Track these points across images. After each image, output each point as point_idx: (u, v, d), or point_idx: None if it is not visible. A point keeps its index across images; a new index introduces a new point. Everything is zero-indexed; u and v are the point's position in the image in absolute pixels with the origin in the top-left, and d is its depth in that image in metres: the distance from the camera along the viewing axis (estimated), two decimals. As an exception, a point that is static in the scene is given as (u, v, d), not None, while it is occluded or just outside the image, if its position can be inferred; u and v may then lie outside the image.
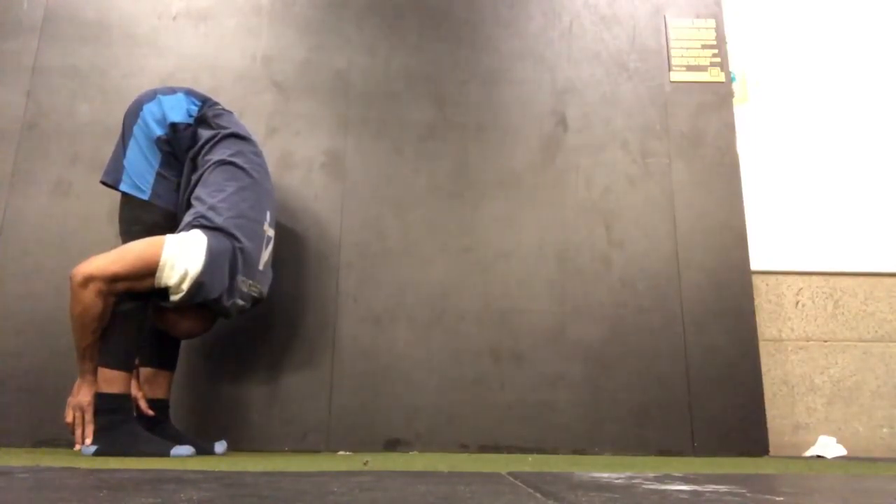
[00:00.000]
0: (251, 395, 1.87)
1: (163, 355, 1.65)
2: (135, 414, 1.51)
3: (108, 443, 1.37)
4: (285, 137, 2.09)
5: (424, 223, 2.04)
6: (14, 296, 1.91)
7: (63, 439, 1.74)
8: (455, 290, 1.98)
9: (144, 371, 1.61)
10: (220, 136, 1.59)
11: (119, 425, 1.40)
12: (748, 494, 0.76)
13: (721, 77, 2.20)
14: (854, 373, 2.07)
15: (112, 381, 1.41)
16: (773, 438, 1.95)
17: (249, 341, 1.91)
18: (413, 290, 1.98)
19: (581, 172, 2.10)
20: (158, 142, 1.57)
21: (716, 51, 2.22)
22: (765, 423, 1.89)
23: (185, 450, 1.40)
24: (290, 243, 1.99)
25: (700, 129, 2.14)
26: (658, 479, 0.94)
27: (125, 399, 1.44)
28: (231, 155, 1.57)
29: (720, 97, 2.18)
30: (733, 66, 2.27)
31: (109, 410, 1.40)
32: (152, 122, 1.57)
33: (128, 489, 0.71)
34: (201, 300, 1.44)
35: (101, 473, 0.91)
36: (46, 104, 2.08)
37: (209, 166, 1.55)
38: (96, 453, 1.36)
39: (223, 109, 1.69)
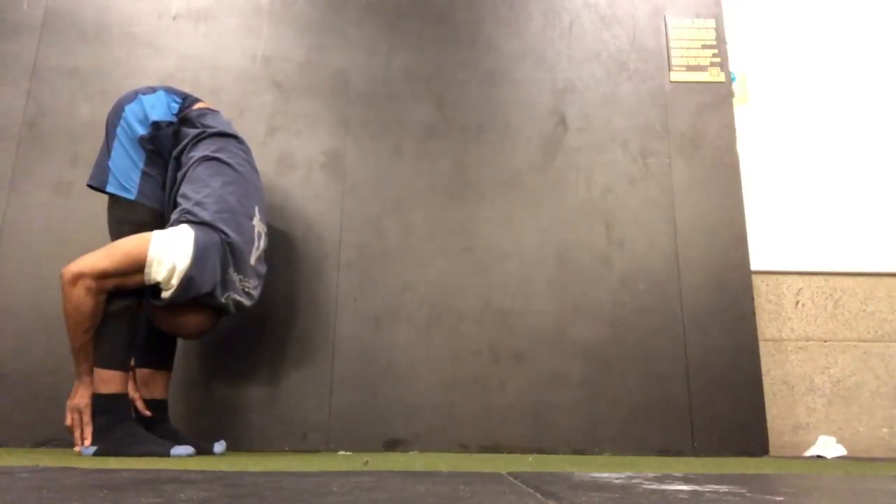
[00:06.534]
0: (251, 395, 1.87)
1: (159, 356, 1.64)
2: (133, 415, 1.51)
3: (107, 443, 1.38)
4: (285, 137, 2.09)
5: (424, 223, 2.04)
6: (14, 296, 1.91)
7: (63, 439, 1.74)
8: (455, 290, 1.98)
9: (141, 372, 1.61)
10: (204, 134, 1.60)
11: (117, 425, 1.40)
12: (748, 494, 0.76)
13: (721, 77, 2.20)
14: (854, 373, 2.07)
15: (108, 381, 1.41)
16: (773, 438, 1.95)
17: (249, 341, 1.91)
18: (413, 290, 1.98)
19: (581, 172, 2.10)
20: (142, 141, 1.57)
21: (716, 51, 2.22)
22: (765, 423, 1.89)
23: (185, 450, 1.40)
24: (290, 243, 1.99)
25: (700, 129, 2.14)
26: (658, 479, 0.94)
27: (122, 399, 1.44)
28: (214, 151, 1.58)
29: (720, 97, 2.18)
30: (733, 66, 2.27)
31: (107, 411, 1.41)
32: (135, 122, 1.57)
33: (128, 489, 0.71)
34: (194, 295, 1.44)
35: (101, 473, 0.91)
36: (46, 104, 2.08)
37: (193, 163, 1.55)
38: (96, 454, 1.36)
39: (208, 109, 1.68)
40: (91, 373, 1.43)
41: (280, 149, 2.07)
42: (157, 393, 1.62)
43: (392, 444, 1.85)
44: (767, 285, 2.13)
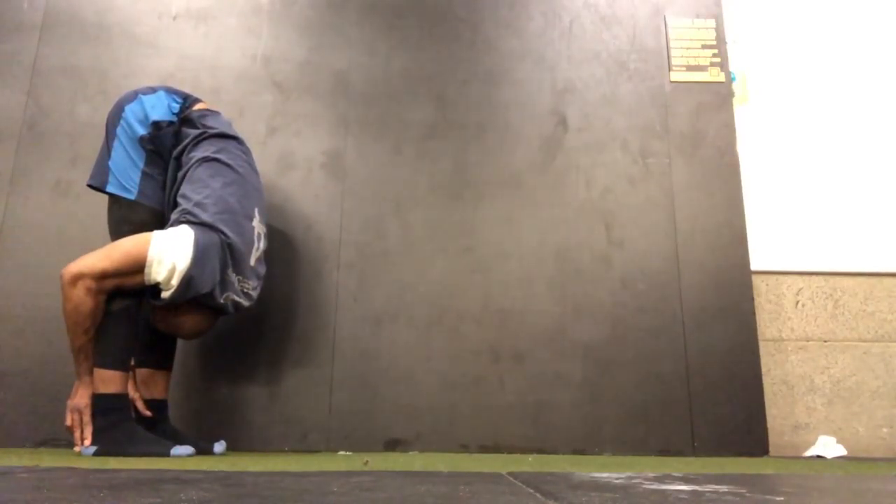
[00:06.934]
0: (251, 395, 1.87)
1: (159, 355, 1.65)
2: (133, 415, 1.51)
3: (107, 443, 1.38)
4: (285, 137, 2.09)
5: (424, 223, 2.04)
6: (14, 296, 1.91)
7: (63, 439, 1.74)
8: (455, 290, 1.98)
9: (141, 372, 1.62)
10: (205, 134, 1.60)
11: (117, 425, 1.40)
12: (748, 494, 0.76)
13: (721, 77, 2.20)
14: (854, 373, 2.07)
15: (108, 381, 1.41)
16: (773, 438, 1.95)
17: (249, 341, 1.91)
18: (413, 290, 1.98)
19: (581, 172, 2.10)
20: (142, 141, 1.57)
21: (716, 51, 2.22)
22: (765, 423, 1.89)
23: (185, 450, 1.40)
24: (290, 243, 1.99)
25: (700, 129, 2.14)
26: (658, 479, 0.94)
27: (123, 399, 1.44)
28: (215, 152, 1.58)
29: (720, 97, 2.18)
30: (733, 66, 2.27)
31: (107, 411, 1.41)
32: (135, 122, 1.57)
33: (128, 489, 0.71)
34: (194, 295, 1.44)
35: (101, 473, 0.91)
36: (46, 104, 2.08)
37: (193, 164, 1.55)
38: (96, 454, 1.36)
39: (209, 110, 1.68)
40: (91, 373, 1.43)
41: (280, 149, 2.07)
42: (157, 393, 1.62)
43: (392, 444, 1.85)
44: (767, 285, 2.13)
